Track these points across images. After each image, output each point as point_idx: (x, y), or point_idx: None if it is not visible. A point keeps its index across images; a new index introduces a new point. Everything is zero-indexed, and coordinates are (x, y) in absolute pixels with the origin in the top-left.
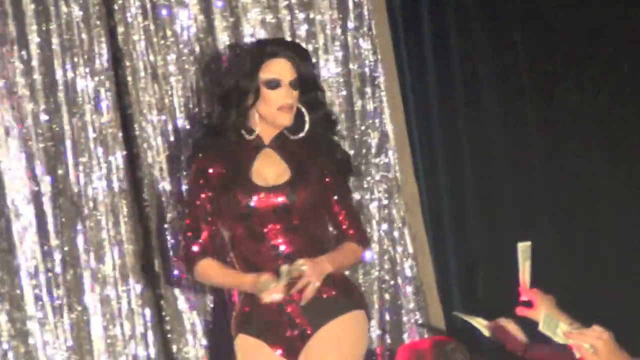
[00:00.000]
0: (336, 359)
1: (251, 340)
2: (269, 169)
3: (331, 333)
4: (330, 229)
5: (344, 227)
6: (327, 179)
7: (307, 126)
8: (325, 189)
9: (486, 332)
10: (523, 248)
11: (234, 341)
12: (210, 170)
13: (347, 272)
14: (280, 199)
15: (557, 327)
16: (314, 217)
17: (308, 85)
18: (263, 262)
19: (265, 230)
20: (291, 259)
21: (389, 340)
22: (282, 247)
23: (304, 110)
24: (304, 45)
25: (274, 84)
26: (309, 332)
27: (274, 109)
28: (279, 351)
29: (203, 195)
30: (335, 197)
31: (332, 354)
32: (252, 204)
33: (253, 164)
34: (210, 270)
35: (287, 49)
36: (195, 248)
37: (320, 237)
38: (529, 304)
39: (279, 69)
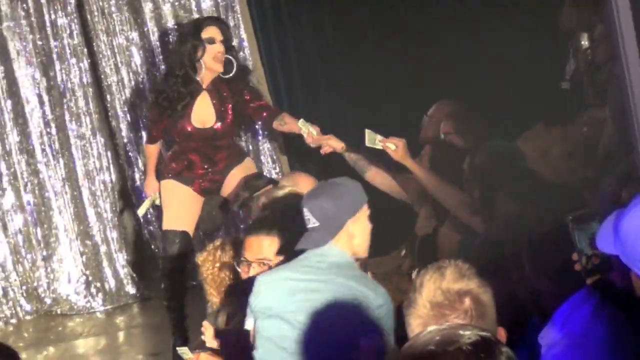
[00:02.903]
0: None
1: (178, 185)
2: (203, 112)
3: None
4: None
5: (271, 106)
6: (246, 97)
7: (235, 68)
8: (246, 102)
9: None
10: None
11: (161, 182)
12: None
13: None
14: (208, 133)
15: (375, 139)
16: (230, 135)
17: (230, 44)
18: (195, 158)
19: (201, 147)
20: (210, 161)
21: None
22: (210, 153)
23: (232, 59)
24: None
25: (211, 41)
26: (220, 179)
27: (211, 57)
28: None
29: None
30: (256, 102)
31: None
32: (189, 134)
33: (193, 105)
34: (148, 152)
35: (215, 19)
36: (153, 133)
37: (232, 142)
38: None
39: (213, 31)
